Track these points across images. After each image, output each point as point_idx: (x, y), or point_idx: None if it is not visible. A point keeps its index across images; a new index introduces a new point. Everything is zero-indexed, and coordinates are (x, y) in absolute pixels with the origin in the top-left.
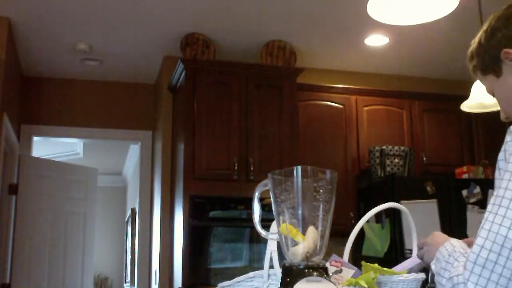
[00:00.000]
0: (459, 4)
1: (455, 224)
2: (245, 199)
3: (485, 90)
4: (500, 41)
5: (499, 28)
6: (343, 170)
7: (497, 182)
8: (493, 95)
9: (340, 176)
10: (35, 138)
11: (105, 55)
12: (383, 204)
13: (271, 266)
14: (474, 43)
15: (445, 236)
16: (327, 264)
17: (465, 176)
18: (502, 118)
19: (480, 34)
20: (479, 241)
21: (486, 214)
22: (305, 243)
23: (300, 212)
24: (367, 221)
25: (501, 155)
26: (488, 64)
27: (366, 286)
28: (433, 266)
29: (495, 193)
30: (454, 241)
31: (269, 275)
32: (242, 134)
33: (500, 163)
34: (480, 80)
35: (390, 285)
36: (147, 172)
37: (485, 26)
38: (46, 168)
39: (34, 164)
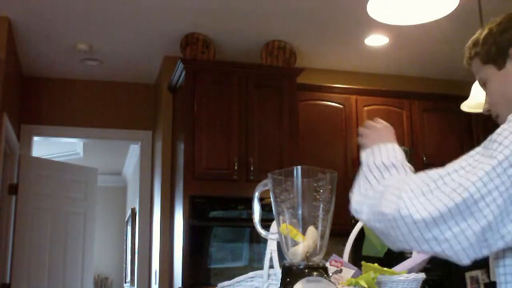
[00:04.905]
0: (459, 4)
1: None
2: (245, 199)
3: (477, 79)
4: (511, 39)
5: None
6: (343, 170)
7: None
8: (484, 86)
9: (340, 176)
10: (35, 138)
11: (105, 55)
12: None
13: (271, 266)
14: (483, 31)
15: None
16: (327, 264)
17: None
18: (484, 110)
19: (490, 25)
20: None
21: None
22: (305, 243)
23: (300, 212)
24: None
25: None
26: (493, 55)
27: (366, 286)
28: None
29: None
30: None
31: (269, 275)
32: (242, 134)
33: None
34: (474, 68)
35: (390, 285)
36: (147, 172)
37: (498, 20)
38: (46, 168)
39: (34, 164)
